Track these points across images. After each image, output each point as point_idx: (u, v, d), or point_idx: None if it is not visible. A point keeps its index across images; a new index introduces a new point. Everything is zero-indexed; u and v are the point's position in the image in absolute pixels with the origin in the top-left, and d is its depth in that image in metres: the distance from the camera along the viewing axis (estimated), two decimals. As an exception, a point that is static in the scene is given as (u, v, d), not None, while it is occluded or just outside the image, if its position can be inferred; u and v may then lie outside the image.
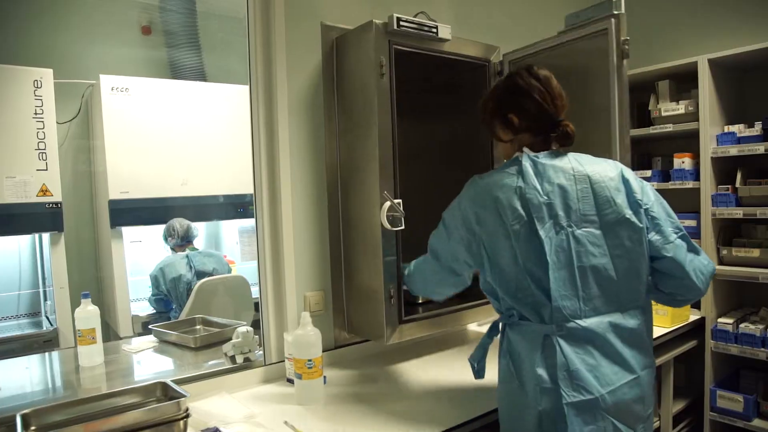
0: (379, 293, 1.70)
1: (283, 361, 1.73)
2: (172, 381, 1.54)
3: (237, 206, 3.23)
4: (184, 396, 1.38)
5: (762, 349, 2.24)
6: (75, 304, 2.69)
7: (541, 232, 1.18)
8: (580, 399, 1.14)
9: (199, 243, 3.58)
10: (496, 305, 1.31)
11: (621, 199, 1.22)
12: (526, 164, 1.24)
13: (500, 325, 1.32)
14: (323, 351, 1.81)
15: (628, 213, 1.22)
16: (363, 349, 1.92)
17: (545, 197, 1.20)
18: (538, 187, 1.21)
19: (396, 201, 1.64)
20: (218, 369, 1.72)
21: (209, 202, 3.21)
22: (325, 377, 1.65)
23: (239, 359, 1.77)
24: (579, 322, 1.17)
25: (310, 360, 1.51)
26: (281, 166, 1.75)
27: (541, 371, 1.17)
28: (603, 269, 1.19)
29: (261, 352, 1.79)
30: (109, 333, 3.05)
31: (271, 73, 1.75)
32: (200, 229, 3.62)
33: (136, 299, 3.20)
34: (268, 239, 1.76)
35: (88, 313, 1.89)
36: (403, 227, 1.67)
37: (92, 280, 3.22)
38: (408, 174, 1.75)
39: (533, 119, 1.28)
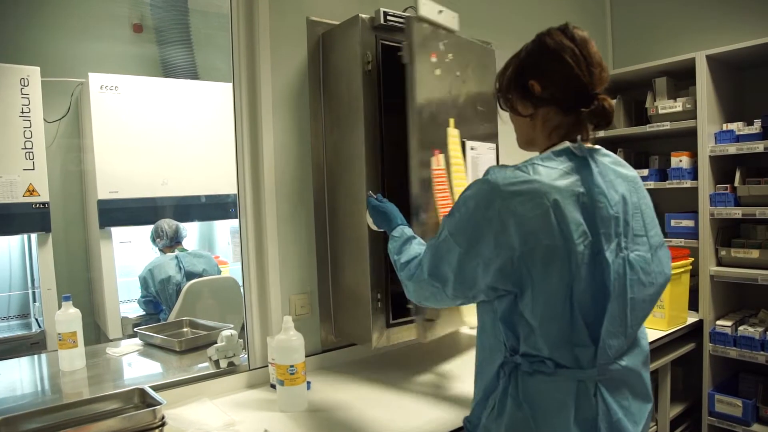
0: (365, 296, 1.65)
1: (267, 365, 1.68)
2: (153, 386, 1.50)
3: (228, 206, 3.19)
4: (160, 404, 1.33)
5: (761, 352, 2.19)
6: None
7: (608, 255, 0.94)
8: None
9: (192, 243, 3.54)
10: (512, 342, 1.02)
11: (656, 218, 1.10)
12: (590, 160, 0.99)
13: (507, 367, 1.03)
14: (309, 355, 1.77)
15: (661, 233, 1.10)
16: (350, 353, 1.87)
17: (614, 209, 0.97)
18: (607, 194, 0.97)
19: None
20: (200, 374, 1.67)
21: (200, 202, 3.17)
22: (309, 383, 1.60)
23: (223, 363, 1.72)
24: (620, 362, 1.00)
25: (292, 366, 1.46)
26: (265, 165, 1.70)
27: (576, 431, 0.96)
28: (650, 301, 1.04)
29: (246, 357, 1.75)
30: (100, 335, 3.02)
31: (254, 69, 1.70)
32: (193, 230, 3.59)
33: (127, 300, 3.16)
34: (251, 240, 1.72)
35: (69, 316, 1.84)
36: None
37: (82, 281, 3.18)
38: (396, 173, 1.70)
39: (561, 88, 1.03)
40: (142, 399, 1.44)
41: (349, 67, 1.66)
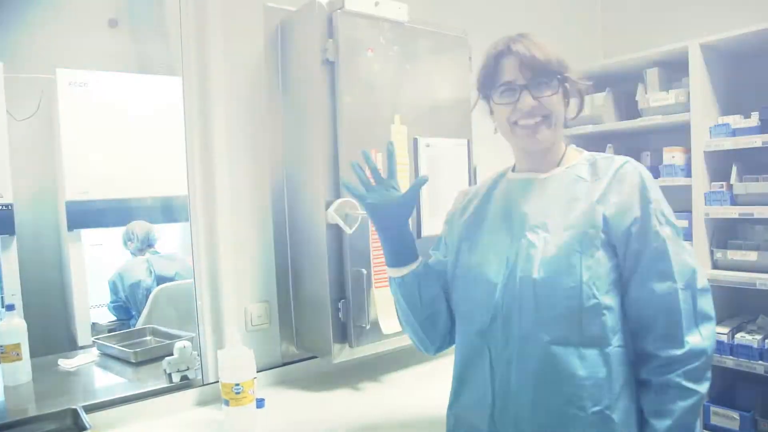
0: (325, 304, 1.53)
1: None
2: (95, 405, 1.39)
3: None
4: (86, 429, 1.21)
5: (759, 362, 2.05)
6: (28, 310, 2.51)
7: None
8: None
9: (174, 246, 3.42)
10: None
11: None
12: None
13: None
14: (268, 369, 1.66)
15: None
16: (313, 366, 1.74)
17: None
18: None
19: (340, 201, 1.47)
20: (147, 390, 1.54)
21: (176, 203, 3.05)
22: (262, 400, 1.47)
23: (176, 378, 1.60)
24: None
25: (237, 384, 1.33)
26: (217, 164, 1.58)
27: None
28: None
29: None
30: (76, 343, 2.91)
31: (205, 61, 1.58)
32: (176, 232, 3.47)
33: (100, 305, 3.04)
34: (203, 246, 1.59)
35: (12, 327, 1.72)
36: (356, 226, 1.50)
37: (56, 286, 3.08)
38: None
39: None
40: (74, 421, 1.32)
41: (307, 56, 1.54)
